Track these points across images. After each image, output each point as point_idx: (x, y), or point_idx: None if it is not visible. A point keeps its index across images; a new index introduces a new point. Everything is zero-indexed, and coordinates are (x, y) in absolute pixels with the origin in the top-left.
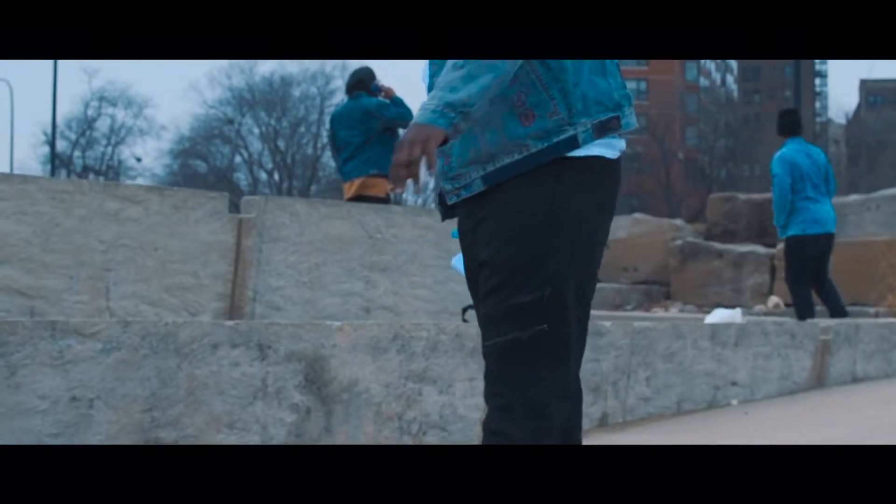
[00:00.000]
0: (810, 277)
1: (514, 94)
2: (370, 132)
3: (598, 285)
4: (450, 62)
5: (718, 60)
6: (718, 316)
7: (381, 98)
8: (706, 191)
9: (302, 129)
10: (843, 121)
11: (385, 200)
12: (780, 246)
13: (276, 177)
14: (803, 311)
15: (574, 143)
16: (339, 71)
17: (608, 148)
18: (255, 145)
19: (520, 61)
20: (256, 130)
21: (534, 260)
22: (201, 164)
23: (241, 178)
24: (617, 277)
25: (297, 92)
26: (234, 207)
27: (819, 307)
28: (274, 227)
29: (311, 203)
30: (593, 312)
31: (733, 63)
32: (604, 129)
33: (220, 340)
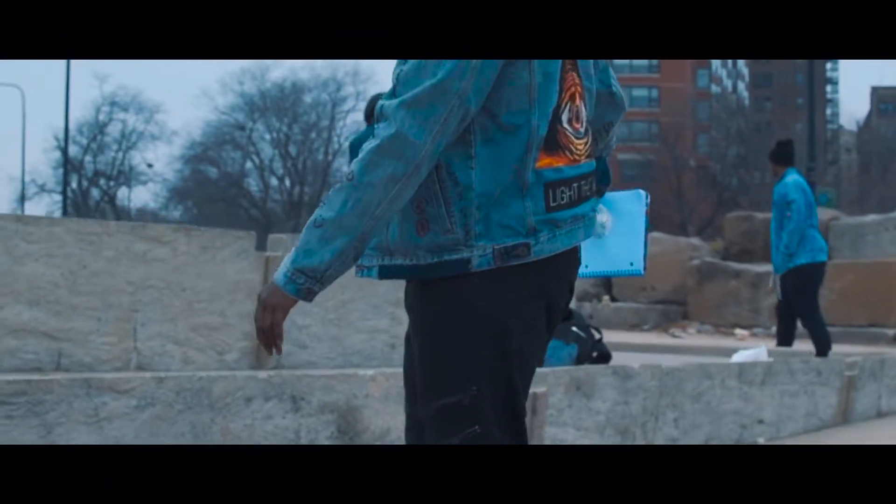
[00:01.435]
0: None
1: (416, 199)
2: None
3: (617, 305)
4: (311, 217)
5: (730, 67)
6: (745, 355)
7: None
8: (718, 198)
9: (313, 135)
10: (853, 128)
11: None
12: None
13: (287, 183)
14: (824, 340)
15: (465, 265)
16: (350, 77)
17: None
18: (267, 151)
19: (386, 219)
20: (268, 136)
21: (452, 362)
22: (212, 170)
23: (253, 184)
24: (635, 297)
25: (308, 98)
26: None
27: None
28: None
29: None
30: (616, 339)
31: (744, 70)
32: (508, 256)
33: (254, 393)
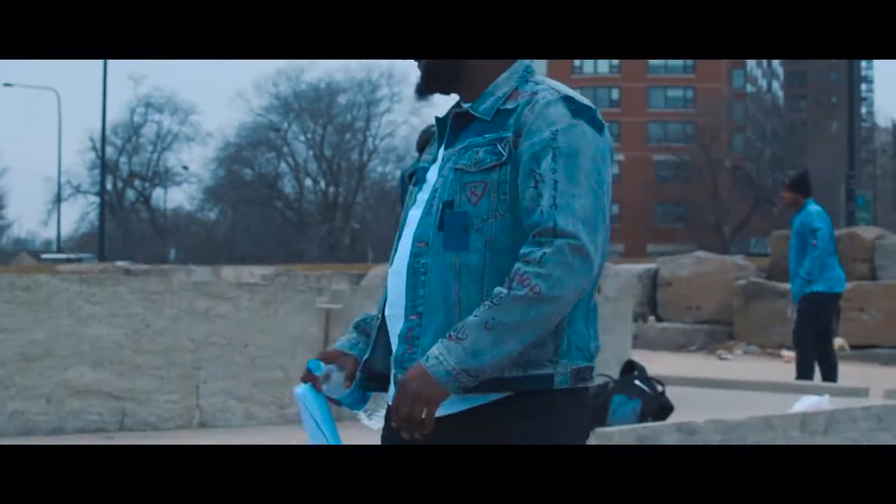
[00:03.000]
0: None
1: None
2: None
3: (662, 325)
4: (479, 318)
5: (765, 66)
6: (806, 403)
7: None
8: (753, 199)
9: (348, 136)
10: (888, 126)
11: None
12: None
13: (322, 184)
14: (807, 373)
15: (549, 382)
16: (384, 79)
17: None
18: (301, 152)
19: (553, 325)
20: (302, 137)
21: None
22: (247, 171)
23: (287, 185)
24: (681, 316)
25: (343, 99)
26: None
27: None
28: None
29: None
30: (665, 364)
31: (779, 69)
32: (579, 377)
33: None
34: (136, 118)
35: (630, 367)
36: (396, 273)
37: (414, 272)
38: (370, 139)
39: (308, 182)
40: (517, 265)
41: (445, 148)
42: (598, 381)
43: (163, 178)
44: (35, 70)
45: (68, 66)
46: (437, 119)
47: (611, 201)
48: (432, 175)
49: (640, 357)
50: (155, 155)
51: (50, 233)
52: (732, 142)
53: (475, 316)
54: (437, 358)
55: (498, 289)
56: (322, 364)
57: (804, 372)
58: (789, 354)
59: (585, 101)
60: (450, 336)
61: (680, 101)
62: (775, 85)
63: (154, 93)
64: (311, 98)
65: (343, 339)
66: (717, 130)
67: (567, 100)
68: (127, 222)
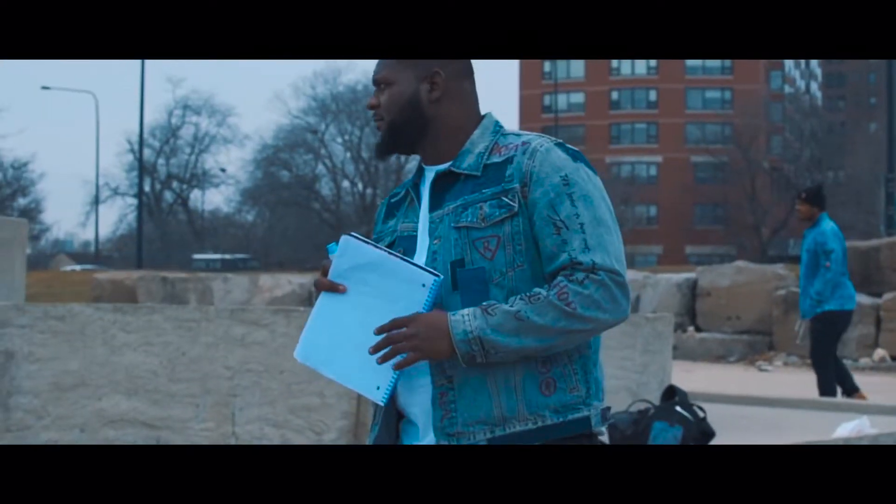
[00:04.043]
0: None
1: (542, 357)
2: None
3: (701, 335)
4: (512, 306)
5: (803, 67)
6: (848, 428)
7: None
8: (791, 200)
9: None
10: None
11: None
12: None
13: (360, 186)
14: (830, 390)
15: (586, 424)
16: None
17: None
18: (339, 154)
19: (575, 343)
20: (340, 139)
21: None
22: (285, 173)
23: (325, 187)
24: (720, 326)
25: None
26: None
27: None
28: None
29: None
30: (704, 376)
31: (817, 70)
32: (604, 418)
33: None
34: (174, 120)
35: (671, 393)
36: None
37: None
38: None
39: (346, 184)
40: (559, 278)
41: (431, 210)
42: (638, 406)
43: (200, 180)
44: (73, 73)
45: (106, 70)
46: (409, 185)
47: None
48: (423, 240)
49: (679, 368)
50: (193, 157)
51: (88, 234)
52: (770, 143)
53: (509, 304)
54: (463, 315)
55: (537, 289)
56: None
57: (827, 391)
58: None
59: (573, 147)
60: (482, 307)
61: (718, 103)
62: (813, 86)
63: (192, 95)
64: (348, 100)
65: None
66: (756, 131)
67: (560, 146)
68: (165, 224)
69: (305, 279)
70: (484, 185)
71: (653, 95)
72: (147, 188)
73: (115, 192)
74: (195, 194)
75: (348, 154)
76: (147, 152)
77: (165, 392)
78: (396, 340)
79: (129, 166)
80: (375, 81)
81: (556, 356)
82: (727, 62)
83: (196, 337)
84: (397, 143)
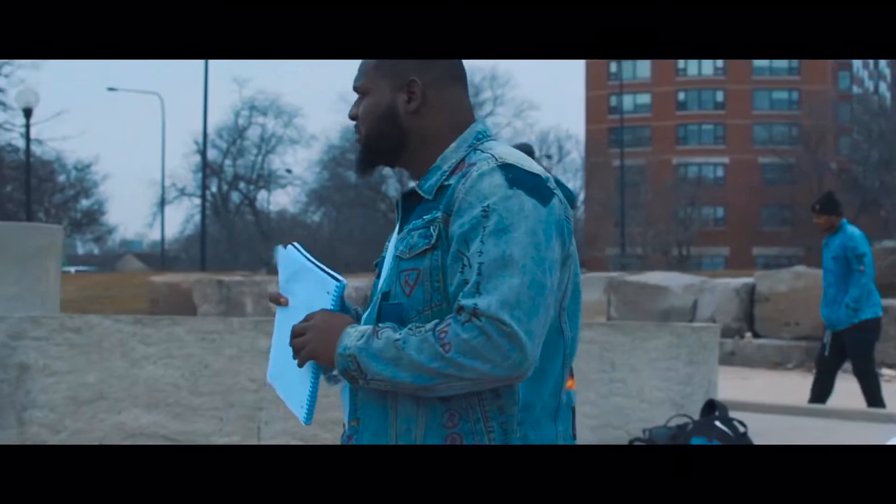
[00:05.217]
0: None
1: (448, 411)
2: None
3: (759, 341)
4: (398, 334)
5: (871, 67)
6: None
7: None
8: (860, 202)
9: None
10: None
11: None
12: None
13: None
14: (878, 398)
15: None
16: (487, 81)
17: None
18: None
19: (457, 391)
20: None
21: None
22: (351, 174)
23: (391, 187)
24: (778, 332)
25: None
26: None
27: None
28: None
29: None
30: (758, 385)
31: (886, 70)
32: None
33: None
34: (241, 121)
35: (711, 407)
36: None
37: None
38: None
39: (412, 184)
40: (449, 317)
41: (398, 231)
42: (677, 421)
43: (267, 180)
44: (138, 74)
45: (172, 71)
46: (396, 200)
47: (566, 278)
48: (386, 264)
49: (735, 375)
50: (259, 157)
51: (156, 235)
52: (838, 144)
53: (397, 330)
54: (355, 330)
55: (432, 324)
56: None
57: (876, 401)
58: (890, 373)
59: (532, 167)
60: (374, 327)
61: (785, 103)
62: (882, 86)
63: (258, 96)
64: None
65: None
66: (823, 132)
67: (505, 168)
68: (232, 225)
69: (362, 282)
70: (430, 209)
71: (720, 96)
72: (214, 189)
73: (182, 192)
74: (262, 195)
75: None
76: (214, 153)
77: (187, 405)
78: (296, 335)
79: (195, 167)
80: (355, 89)
81: (464, 411)
82: (794, 63)
83: (219, 349)
84: (374, 157)
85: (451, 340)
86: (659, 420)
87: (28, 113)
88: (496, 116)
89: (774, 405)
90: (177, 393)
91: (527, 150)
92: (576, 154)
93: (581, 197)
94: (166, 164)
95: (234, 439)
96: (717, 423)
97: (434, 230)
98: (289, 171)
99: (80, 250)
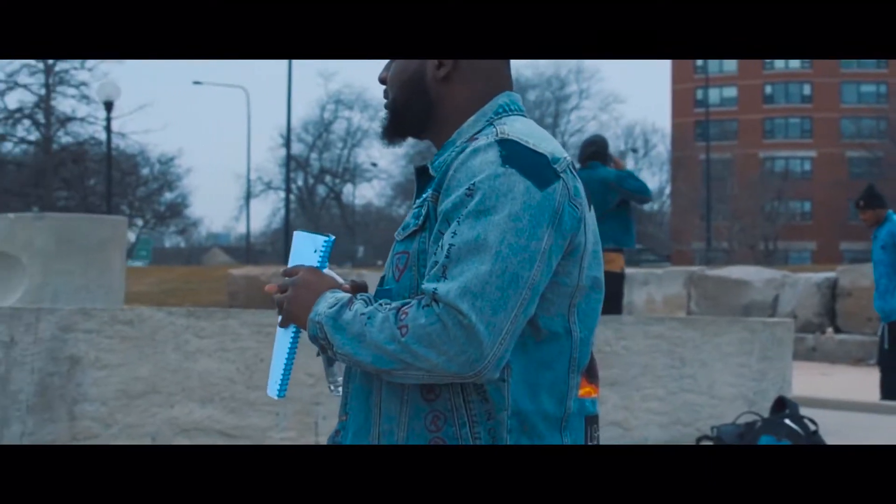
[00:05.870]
0: None
1: (432, 414)
2: (607, 205)
3: (841, 337)
4: (367, 309)
5: None
6: None
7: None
8: None
9: None
10: None
11: (621, 277)
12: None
13: None
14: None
15: None
16: (573, 75)
17: None
18: None
19: (413, 380)
20: None
21: None
22: None
23: None
24: (860, 328)
25: (531, 95)
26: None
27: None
28: None
29: None
30: (836, 382)
31: None
32: None
33: None
34: (327, 115)
35: (781, 405)
36: None
37: None
38: (559, 136)
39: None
40: (415, 298)
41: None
42: (745, 419)
43: (352, 174)
44: (224, 68)
45: (257, 65)
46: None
47: (574, 272)
48: None
49: (816, 371)
50: (345, 151)
51: (242, 228)
52: None
53: (369, 303)
54: (331, 296)
55: (399, 302)
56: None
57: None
58: None
59: (539, 146)
60: (350, 300)
61: (873, 97)
62: None
63: (344, 89)
64: None
65: None
66: None
67: (503, 144)
68: (318, 218)
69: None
70: (432, 188)
71: (807, 90)
72: (300, 182)
73: (269, 186)
74: (347, 188)
75: None
76: (300, 147)
77: (243, 400)
78: (280, 290)
79: (281, 161)
80: None
81: (449, 415)
82: None
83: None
84: (400, 126)
85: (408, 324)
86: (730, 417)
87: (109, 106)
88: (582, 110)
89: (852, 402)
90: (232, 387)
91: (599, 143)
92: (662, 148)
93: (667, 191)
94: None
95: (291, 434)
96: (787, 422)
97: (423, 210)
98: (374, 164)
99: (167, 243)
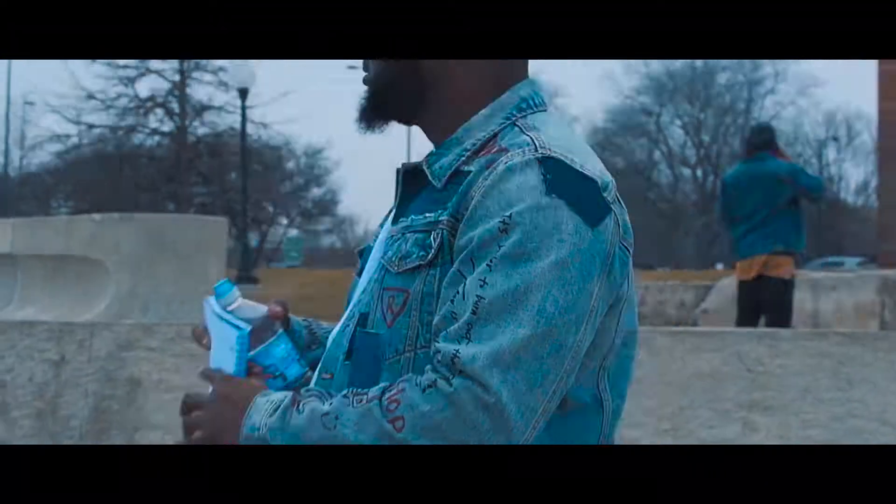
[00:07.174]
0: None
1: None
2: (776, 202)
3: None
4: (326, 406)
5: None
6: None
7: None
8: None
9: (728, 119)
10: None
11: (790, 284)
12: None
13: (699, 173)
14: None
15: None
16: None
17: None
18: (677, 138)
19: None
20: (678, 122)
21: None
22: (618, 160)
23: (662, 174)
24: None
25: (722, 79)
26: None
27: None
28: None
29: (676, 334)
30: None
31: None
32: None
33: None
34: None
35: None
36: None
37: None
38: (752, 122)
39: (685, 171)
40: (408, 376)
41: (393, 221)
42: None
43: None
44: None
45: None
46: (396, 171)
47: (613, 328)
48: (371, 263)
49: None
50: None
51: None
52: None
53: (326, 399)
54: (267, 401)
55: (378, 389)
56: (235, 287)
57: None
58: None
59: (586, 166)
60: (293, 397)
61: None
62: None
63: None
64: (686, 77)
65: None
66: None
67: (546, 163)
68: None
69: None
70: (435, 203)
71: None
72: None
73: None
74: None
75: (687, 138)
76: None
77: None
78: (188, 409)
79: None
80: None
81: None
82: None
83: None
84: (382, 109)
85: (404, 414)
86: None
87: (244, 93)
88: (777, 94)
89: None
90: None
91: (772, 131)
92: (867, 136)
93: (872, 184)
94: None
95: None
96: None
97: (435, 239)
98: None
99: (324, 242)
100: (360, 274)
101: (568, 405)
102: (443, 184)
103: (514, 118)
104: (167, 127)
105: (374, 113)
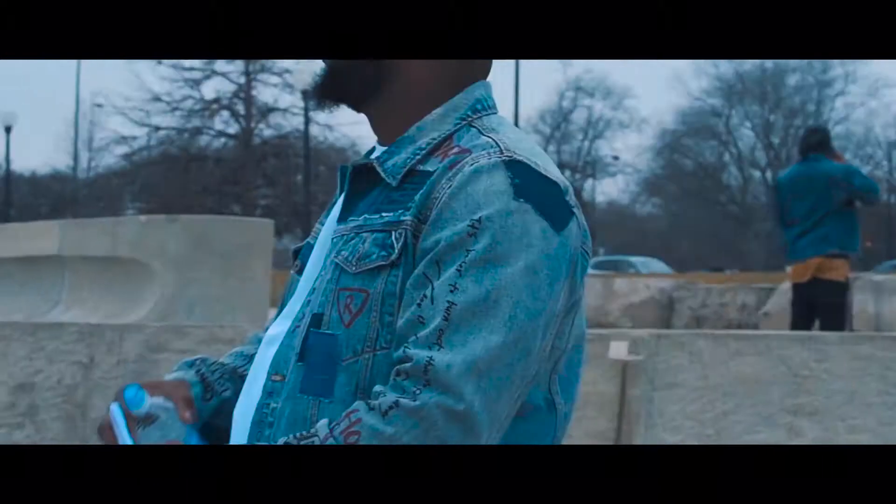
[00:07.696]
0: None
1: None
2: (830, 203)
3: None
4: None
5: None
6: None
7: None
8: None
9: (798, 121)
10: None
11: (845, 287)
12: None
13: (770, 176)
14: None
15: None
16: None
17: None
18: (747, 140)
19: None
20: (748, 123)
21: None
22: (687, 162)
23: (732, 176)
24: None
25: (792, 80)
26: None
27: None
28: (669, 372)
29: (718, 338)
30: None
31: None
32: None
33: None
34: (566, 103)
35: None
36: (245, 403)
37: (259, 421)
38: (823, 124)
39: (755, 173)
40: (357, 404)
41: (339, 219)
42: None
43: (594, 168)
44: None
45: None
46: (340, 168)
47: (567, 332)
48: (315, 263)
49: None
50: (586, 143)
51: None
52: None
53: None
54: None
55: (321, 424)
56: (145, 395)
57: None
58: None
59: (549, 170)
60: None
61: None
62: None
63: (585, 75)
64: (756, 78)
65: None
66: None
67: (513, 167)
68: None
69: (666, 283)
70: (393, 203)
71: None
72: None
73: None
74: (588, 184)
75: (757, 140)
76: (536, 138)
77: None
78: None
79: None
80: None
81: None
82: None
83: None
84: (335, 90)
85: (369, 444)
86: None
87: (306, 95)
88: (848, 96)
89: None
90: None
91: (826, 132)
92: None
93: None
94: None
95: None
96: None
97: (398, 239)
98: (615, 157)
99: None
100: (300, 272)
101: (524, 408)
102: (398, 182)
103: (468, 119)
104: (233, 129)
105: (327, 92)
